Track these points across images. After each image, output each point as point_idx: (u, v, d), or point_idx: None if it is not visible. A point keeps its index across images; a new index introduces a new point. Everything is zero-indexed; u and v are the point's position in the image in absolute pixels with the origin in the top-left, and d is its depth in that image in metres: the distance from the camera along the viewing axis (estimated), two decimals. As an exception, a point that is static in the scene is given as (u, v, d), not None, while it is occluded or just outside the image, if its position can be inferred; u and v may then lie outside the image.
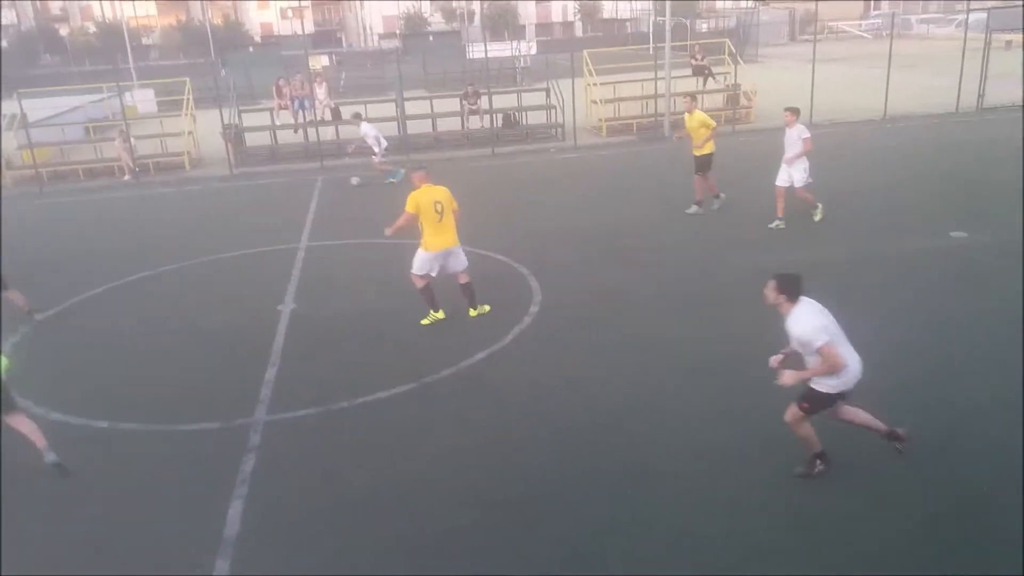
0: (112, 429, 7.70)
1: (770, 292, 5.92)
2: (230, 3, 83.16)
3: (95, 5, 76.67)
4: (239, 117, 23.54)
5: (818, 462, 6.19)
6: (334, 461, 6.94)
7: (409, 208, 9.24)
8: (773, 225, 12.68)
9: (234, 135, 22.04)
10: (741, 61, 26.10)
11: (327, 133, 23.07)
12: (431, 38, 63.49)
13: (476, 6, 76.49)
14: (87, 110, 28.71)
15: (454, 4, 78.92)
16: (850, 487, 6.04)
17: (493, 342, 9.02)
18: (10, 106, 23.83)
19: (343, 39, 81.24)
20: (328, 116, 24.24)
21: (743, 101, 24.81)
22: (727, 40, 28.55)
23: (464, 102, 23.84)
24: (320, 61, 47.31)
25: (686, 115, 13.83)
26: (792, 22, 65.59)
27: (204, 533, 6.01)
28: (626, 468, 6.45)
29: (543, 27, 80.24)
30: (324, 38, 76.06)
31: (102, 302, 11.60)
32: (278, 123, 23.83)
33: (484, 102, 23.73)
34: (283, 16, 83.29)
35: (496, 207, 15.36)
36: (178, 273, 12.70)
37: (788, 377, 5.87)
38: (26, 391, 8.45)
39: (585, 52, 25.85)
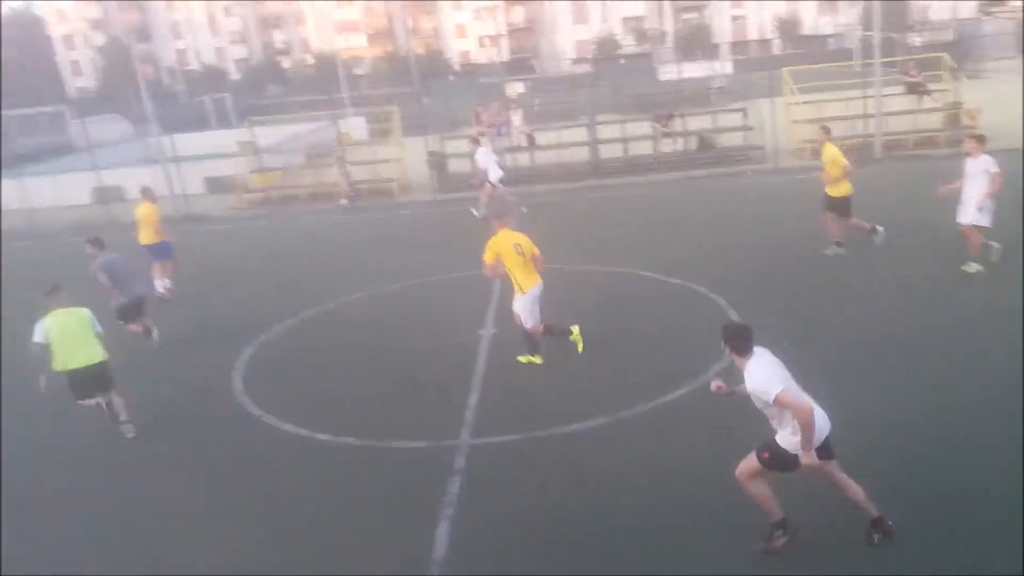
0: (332, 442, 8.36)
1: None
2: (432, 33, 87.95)
3: (312, 38, 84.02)
4: (442, 144, 24.85)
5: (777, 533, 5.69)
6: (539, 489, 7.13)
7: (488, 257, 9.37)
8: (972, 270, 11.32)
9: (438, 162, 23.26)
10: (962, 77, 24.07)
11: (523, 159, 23.79)
12: (622, 61, 63.78)
13: (668, 26, 75.93)
14: (307, 137, 31.43)
15: (646, 25, 78.83)
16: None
17: (692, 378, 8.90)
18: (244, 133, 26.62)
19: (536, 66, 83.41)
20: (524, 142, 24.99)
21: (965, 121, 22.85)
22: (944, 54, 26.46)
23: (656, 125, 23.74)
24: (516, 88, 48.87)
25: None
26: (1022, 32, 59.51)
27: (413, 552, 6.37)
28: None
29: (738, 45, 78.08)
30: (518, 65, 78.49)
31: (324, 319, 12.63)
32: (477, 150, 24.88)
33: (677, 124, 23.50)
34: (480, 44, 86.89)
35: (690, 233, 15.14)
36: (389, 295, 13.57)
37: (804, 456, 5.42)
38: (260, 400, 9.40)
39: (785, 70, 24.96)
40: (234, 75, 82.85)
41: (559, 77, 62.82)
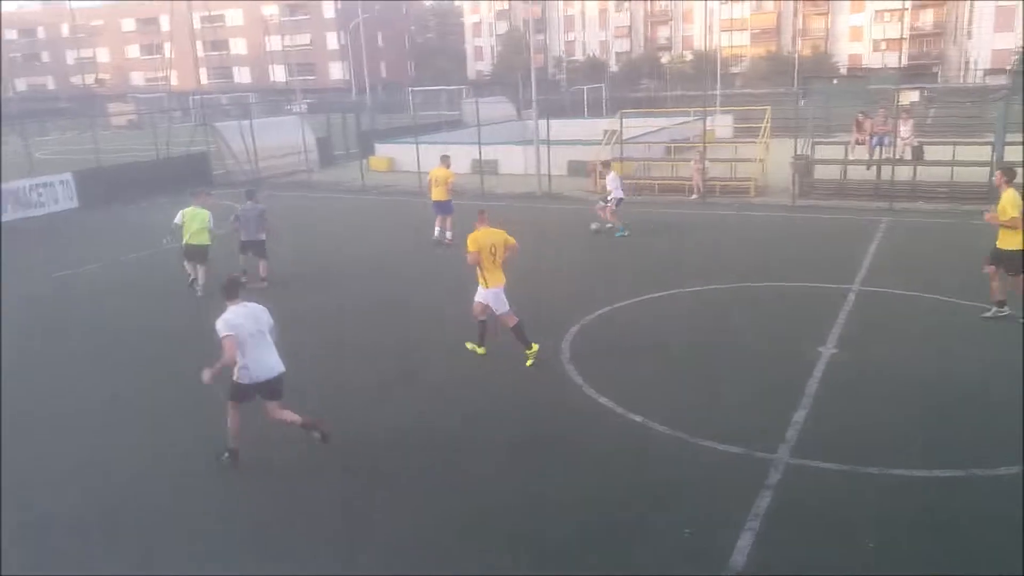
0: (642, 426, 8.29)
1: None
2: (822, 34, 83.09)
3: (695, 36, 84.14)
4: (811, 148, 23.33)
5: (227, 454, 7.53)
6: (852, 528, 6.37)
7: (471, 247, 9.88)
8: None
9: (803, 166, 21.91)
10: None
11: (903, 173, 21.41)
12: (1052, 75, 54.30)
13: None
14: (671, 131, 31.58)
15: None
16: None
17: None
18: (612, 123, 27.51)
19: (939, 74, 74.64)
20: (908, 155, 22.48)
21: None
22: None
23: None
24: (909, 96, 44.24)
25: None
26: None
27: (709, 555, 6.08)
28: None
29: None
30: (916, 72, 70.92)
31: (661, 305, 12.61)
32: (851, 158, 22.98)
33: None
34: (875, 48, 79.99)
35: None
36: (731, 291, 13.11)
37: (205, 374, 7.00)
38: (585, 371, 9.63)
39: None
40: (613, 67, 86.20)
41: (964, 88, 55.53)
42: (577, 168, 27.22)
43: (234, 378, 7.33)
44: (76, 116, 61.07)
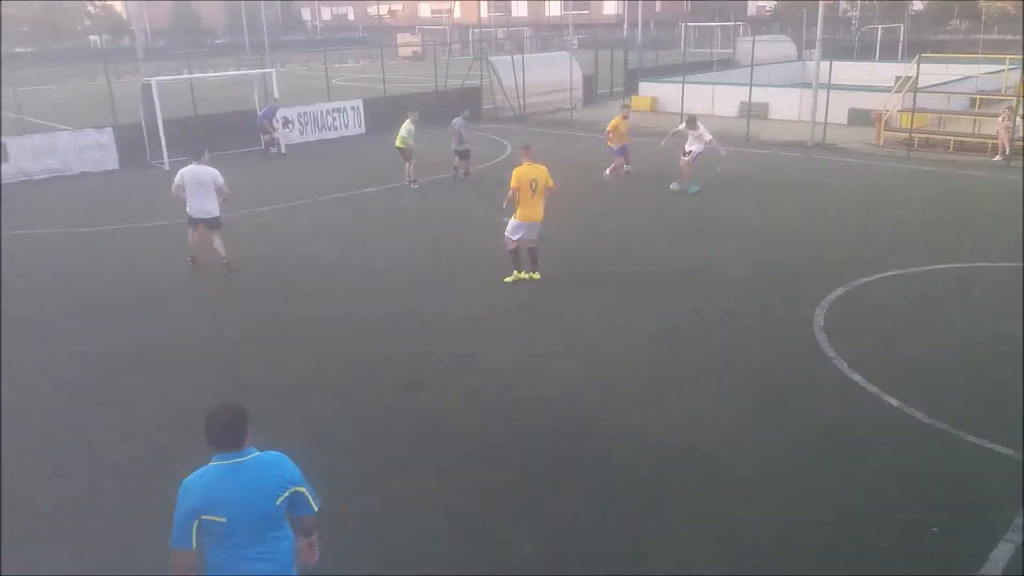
0: (898, 410, 7.60)
1: None
2: None
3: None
4: None
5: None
6: None
7: (513, 183, 10.66)
8: None
9: None
10: None
11: None
12: None
13: None
14: (978, 81, 27.75)
15: None
16: None
17: None
18: (906, 69, 24.71)
19: None
20: None
21: None
22: None
23: None
24: None
25: None
26: None
27: (956, 559, 5.54)
28: None
29: None
30: None
31: (931, 279, 11.39)
32: None
33: None
34: None
35: None
36: (1012, 272, 11.48)
37: None
38: (837, 344, 9.00)
39: None
40: (917, 5, 76.96)
41: None
42: (859, 117, 24.95)
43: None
44: (368, 46, 66.51)
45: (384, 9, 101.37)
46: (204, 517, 3.72)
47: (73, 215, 16.05)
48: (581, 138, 24.88)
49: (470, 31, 75.51)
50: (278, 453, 3.95)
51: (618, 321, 10.04)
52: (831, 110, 23.20)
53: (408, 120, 17.70)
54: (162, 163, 20.32)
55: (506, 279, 11.28)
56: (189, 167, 11.83)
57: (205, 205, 11.85)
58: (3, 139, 19.45)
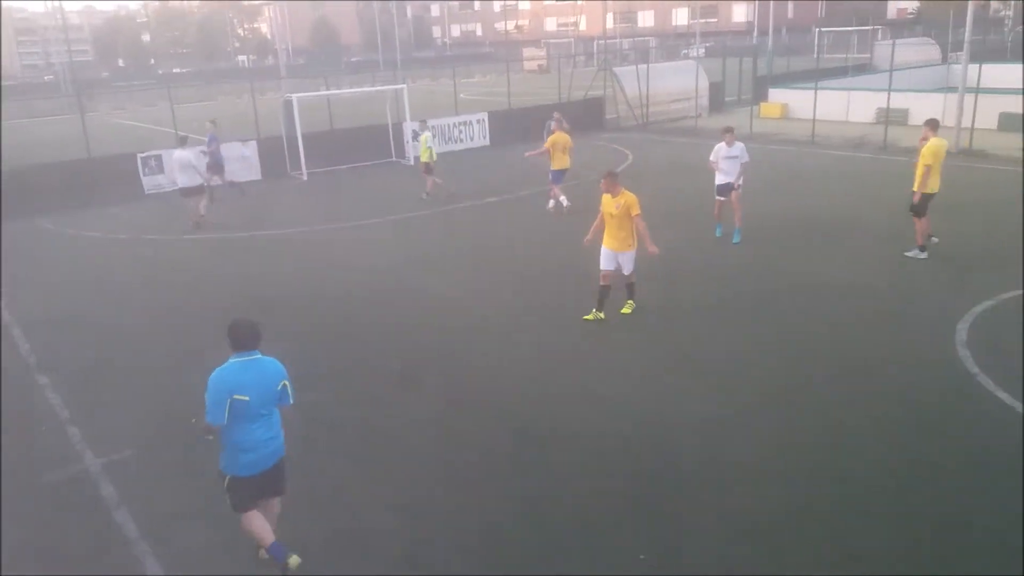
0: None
1: None
2: None
3: None
4: None
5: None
6: None
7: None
8: None
9: None
10: None
11: None
12: None
13: None
14: None
15: None
16: None
17: None
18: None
19: None
20: None
21: None
22: None
23: None
24: None
25: None
26: None
27: None
28: None
29: None
30: None
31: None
32: None
33: None
34: None
35: None
36: None
37: None
38: (982, 359, 8.49)
39: None
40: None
41: None
42: (1010, 122, 23.32)
43: None
44: (495, 60, 67.83)
45: (511, 24, 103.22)
46: (236, 397, 5.14)
47: (230, 219, 17.25)
48: (702, 146, 24.40)
49: (594, 43, 75.73)
50: (272, 357, 5.40)
51: (749, 336, 9.85)
52: (979, 115, 21.77)
53: (427, 133, 18.30)
54: (300, 174, 21.52)
55: (585, 316, 10.33)
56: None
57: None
58: (162, 152, 21.06)
